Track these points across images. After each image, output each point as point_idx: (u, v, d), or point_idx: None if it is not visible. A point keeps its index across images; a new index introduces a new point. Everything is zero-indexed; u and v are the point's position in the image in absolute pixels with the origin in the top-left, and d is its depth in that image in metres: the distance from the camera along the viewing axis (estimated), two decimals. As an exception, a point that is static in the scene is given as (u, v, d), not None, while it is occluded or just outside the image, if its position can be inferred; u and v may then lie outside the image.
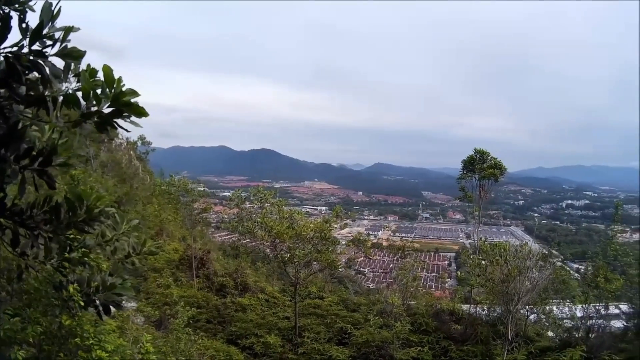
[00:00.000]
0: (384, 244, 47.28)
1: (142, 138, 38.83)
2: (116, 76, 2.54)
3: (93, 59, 2.63)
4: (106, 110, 2.60)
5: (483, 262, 17.92)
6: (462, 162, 19.61)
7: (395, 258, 25.94)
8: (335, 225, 18.10)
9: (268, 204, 17.98)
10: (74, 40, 2.63)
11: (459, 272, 21.41)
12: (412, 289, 19.40)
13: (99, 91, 2.55)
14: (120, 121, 2.66)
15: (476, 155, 19.29)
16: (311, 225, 17.05)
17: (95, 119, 2.61)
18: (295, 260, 17.03)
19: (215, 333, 17.37)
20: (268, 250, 19.52)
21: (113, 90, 2.55)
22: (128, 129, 3.59)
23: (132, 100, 2.59)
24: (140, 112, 2.65)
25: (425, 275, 56.73)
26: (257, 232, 17.38)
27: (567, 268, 22.89)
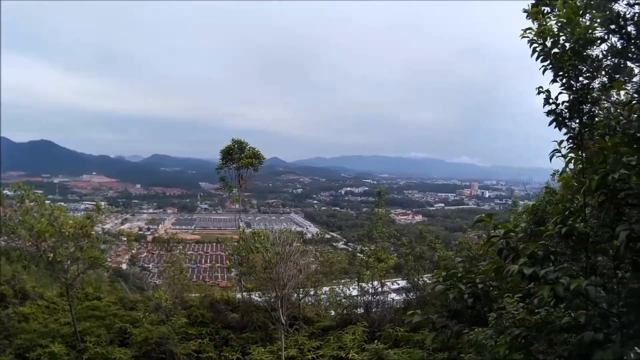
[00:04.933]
0: (165, 237, 46.13)
1: None
2: None
3: None
4: None
5: (243, 252, 17.99)
6: (220, 152, 19.45)
7: (167, 251, 25.19)
8: (107, 220, 16.99)
9: (31, 202, 16.41)
10: None
11: (228, 262, 21.39)
12: (184, 282, 19.03)
13: None
14: None
15: (234, 145, 19.34)
16: (70, 222, 15.97)
17: None
18: (59, 260, 15.83)
19: (4, 349, 15.84)
20: (34, 250, 17.69)
21: None
22: None
23: None
24: None
25: (210, 265, 56.35)
26: (20, 231, 15.82)
27: (351, 250, 23.95)
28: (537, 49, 5.29)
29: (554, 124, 5.29)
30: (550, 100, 5.28)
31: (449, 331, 5.51)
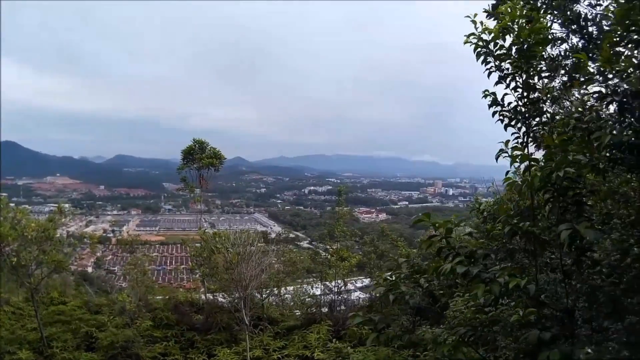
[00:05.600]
0: (134, 239, 45.47)
1: None
2: None
3: None
4: None
5: (205, 253, 17.98)
6: (181, 152, 19.38)
7: (129, 253, 24.89)
8: (71, 223, 16.71)
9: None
10: None
11: (190, 263, 21.34)
12: (148, 284, 18.97)
13: None
14: None
15: (195, 145, 19.34)
16: (33, 224, 15.77)
17: None
18: (23, 264, 15.71)
19: (-22, 359, 15.84)
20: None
21: None
22: None
23: None
24: None
25: (175, 267, 55.92)
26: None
27: (316, 249, 24.02)
28: (481, 52, 5.34)
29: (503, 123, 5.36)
30: (498, 102, 5.33)
31: (391, 331, 5.49)
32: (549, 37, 7.34)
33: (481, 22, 5.26)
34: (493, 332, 5.07)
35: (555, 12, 7.55)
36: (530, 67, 5.24)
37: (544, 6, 7.57)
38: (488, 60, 5.35)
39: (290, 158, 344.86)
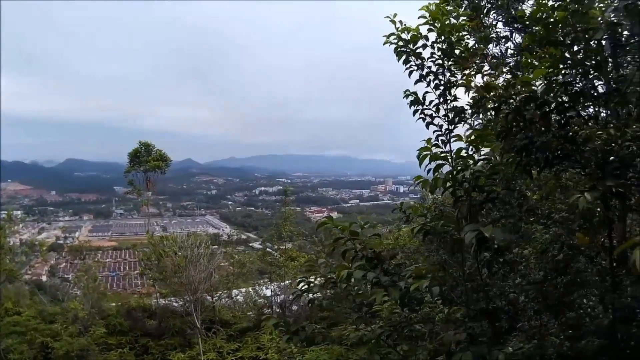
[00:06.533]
0: (84, 245, 44.73)
1: None
2: None
3: None
4: None
5: (153, 257, 17.87)
6: (128, 155, 19.17)
7: (79, 260, 24.54)
8: (23, 230, 16.47)
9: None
10: None
11: (140, 267, 21.18)
12: (100, 290, 18.77)
13: None
14: None
15: (141, 148, 19.19)
16: None
17: None
18: None
19: None
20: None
21: None
22: None
23: None
24: None
25: (127, 273, 55.00)
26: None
27: (262, 250, 24.02)
28: (402, 51, 5.32)
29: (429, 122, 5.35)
30: (420, 101, 5.32)
31: (303, 333, 5.42)
32: (492, 36, 7.49)
33: (400, 22, 5.24)
34: (413, 331, 5.02)
35: (500, 11, 7.66)
36: (453, 64, 5.27)
37: (489, 5, 7.66)
38: (409, 59, 5.34)
39: (241, 159, 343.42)
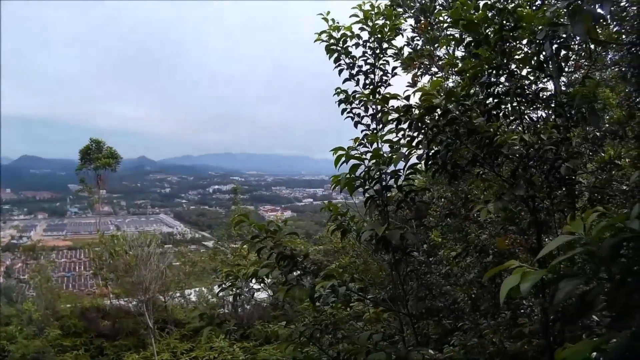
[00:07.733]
0: (38, 245, 43.65)
1: None
2: None
3: None
4: None
5: (104, 256, 17.70)
6: (79, 152, 18.84)
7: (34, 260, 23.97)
8: None
9: None
10: None
11: (92, 267, 20.89)
12: (54, 291, 18.64)
13: None
14: None
15: (92, 145, 18.86)
16: None
17: None
18: None
19: None
20: None
21: None
22: None
23: None
24: None
25: (80, 272, 53.99)
26: None
27: (223, 248, 23.93)
28: (332, 49, 5.29)
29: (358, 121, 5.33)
30: (350, 99, 5.30)
31: (226, 326, 5.51)
32: (442, 37, 7.51)
33: (333, 19, 5.23)
34: (335, 331, 5.00)
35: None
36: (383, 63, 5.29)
37: (439, 7, 7.65)
38: (340, 58, 5.33)
39: (195, 157, 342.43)
